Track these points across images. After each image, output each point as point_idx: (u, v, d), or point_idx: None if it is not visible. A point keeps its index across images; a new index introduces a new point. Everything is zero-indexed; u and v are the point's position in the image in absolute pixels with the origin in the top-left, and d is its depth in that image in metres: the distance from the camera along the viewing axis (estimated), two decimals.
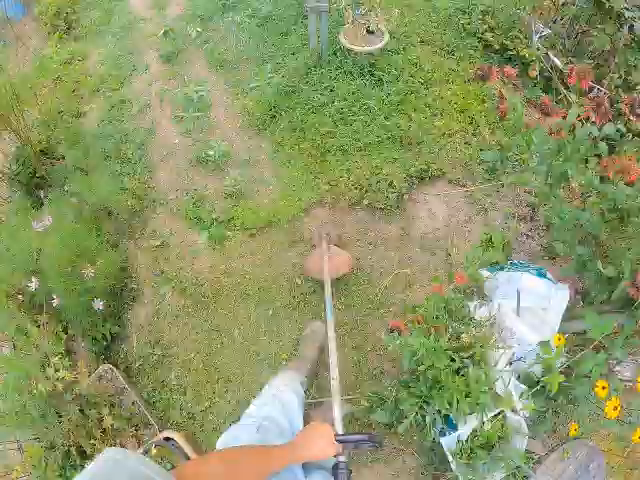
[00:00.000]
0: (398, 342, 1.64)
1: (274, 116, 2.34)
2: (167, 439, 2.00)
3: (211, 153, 2.29)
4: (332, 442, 0.95)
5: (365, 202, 2.08)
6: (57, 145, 2.59)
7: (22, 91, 2.38)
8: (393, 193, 2.10)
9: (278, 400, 1.30)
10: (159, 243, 2.24)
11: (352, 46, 2.36)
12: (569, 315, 1.86)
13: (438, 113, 2.35)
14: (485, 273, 2.06)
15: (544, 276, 1.91)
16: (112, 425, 1.85)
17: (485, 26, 2.71)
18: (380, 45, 2.38)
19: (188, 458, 1.98)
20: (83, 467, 1.98)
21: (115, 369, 2.10)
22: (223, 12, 2.91)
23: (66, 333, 2.24)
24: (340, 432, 1.04)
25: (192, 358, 2.06)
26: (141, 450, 1.99)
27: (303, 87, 2.32)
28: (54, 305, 1.96)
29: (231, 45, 2.73)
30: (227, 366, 2.01)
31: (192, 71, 2.70)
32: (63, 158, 2.57)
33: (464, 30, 2.74)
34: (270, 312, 2.01)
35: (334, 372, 1.18)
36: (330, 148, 2.18)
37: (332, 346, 1.25)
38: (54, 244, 1.93)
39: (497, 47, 2.67)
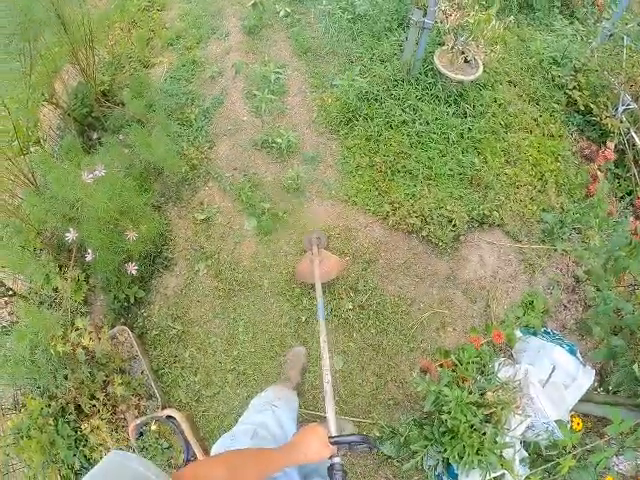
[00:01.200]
0: (433, 388, 1.64)
1: (350, 120, 2.27)
2: (168, 417, 1.97)
3: (279, 141, 2.21)
4: (327, 444, 0.95)
5: (423, 233, 2.03)
6: (119, 90, 2.49)
7: (97, 28, 2.28)
8: (452, 231, 2.06)
9: (272, 411, 1.30)
10: (204, 217, 2.17)
11: (445, 70, 2.28)
12: (585, 396, 1.87)
13: (512, 161, 2.30)
14: (517, 334, 2.06)
15: (574, 354, 1.93)
16: (121, 396, 1.80)
17: (575, 83, 2.65)
18: (472, 77, 2.31)
19: (185, 439, 1.95)
20: (76, 423, 1.91)
21: (130, 332, 2.05)
22: None
23: (87, 282, 2.18)
24: (334, 434, 1.03)
25: (211, 342, 2.02)
26: (138, 422, 1.96)
27: (387, 99, 2.25)
28: (87, 260, 1.89)
29: (319, 34, 2.63)
30: (246, 359, 1.97)
31: (273, 51, 2.61)
32: (122, 104, 2.47)
33: (552, 81, 2.68)
34: (304, 318, 1.97)
35: (327, 375, 1.17)
36: (401, 169, 2.12)
37: (324, 350, 1.23)
38: (100, 197, 1.84)
39: (581, 107, 2.61)
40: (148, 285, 2.13)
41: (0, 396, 1.96)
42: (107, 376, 1.92)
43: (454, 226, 2.07)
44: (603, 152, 2.26)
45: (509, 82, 2.60)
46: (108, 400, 1.92)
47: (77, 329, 1.67)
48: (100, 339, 1.93)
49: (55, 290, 2.08)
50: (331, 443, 0.96)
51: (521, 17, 3.07)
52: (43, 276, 1.84)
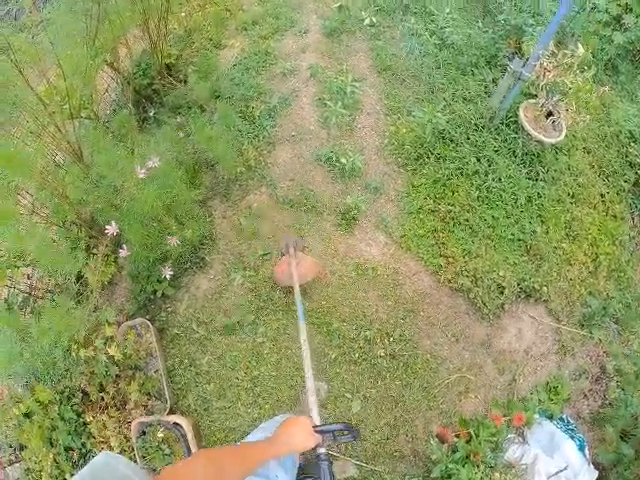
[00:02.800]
0: (451, 466, 1.62)
1: (421, 156, 2.15)
2: (175, 424, 1.92)
3: (343, 161, 2.10)
4: (311, 433, 0.97)
5: (471, 295, 1.96)
6: (185, 66, 2.35)
7: None
8: (498, 299, 1.99)
9: None
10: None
11: (529, 127, 2.17)
12: None
13: (572, 236, 2.22)
14: (534, 415, 2.03)
15: (582, 450, 1.92)
16: (135, 401, 1.74)
17: None
18: (553, 140, 2.19)
19: (189, 448, 1.91)
20: (80, 408, 1.84)
21: (151, 326, 1.98)
22: (404, 13, 2.63)
23: (115, 262, 2.09)
24: (318, 423, 1.04)
25: (233, 355, 1.95)
26: (145, 420, 1.90)
27: (464, 143, 2.13)
28: (120, 256, 1.79)
29: (402, 53, 2.48)
30: (265, 382, 1.92)
31: (352, 60, 2.46)
32: (185, 82, 2.34)
33: (626, 157, 2.57)
34: (333, 356, 1.91)
35: (308, 372, 1.20)
36: (463, 222, 2.03)
37: (305, 349, 1.27)
38: (151, 192, 1.70)
39: None
40: (178, 281, 2.04)
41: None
42: (121, 371, 1.85)
43: (501, 293, 2.00)
44: None
45: (584, 149, 2.49)
46: (118, 394, 1.87)
47: (104, 337, 1.60)
48: (126, 340, 1.86)
49: (78, 279, 1.97)
50: (315, 432, 0.98)
51: (604, 78, 2.93)
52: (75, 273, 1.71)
